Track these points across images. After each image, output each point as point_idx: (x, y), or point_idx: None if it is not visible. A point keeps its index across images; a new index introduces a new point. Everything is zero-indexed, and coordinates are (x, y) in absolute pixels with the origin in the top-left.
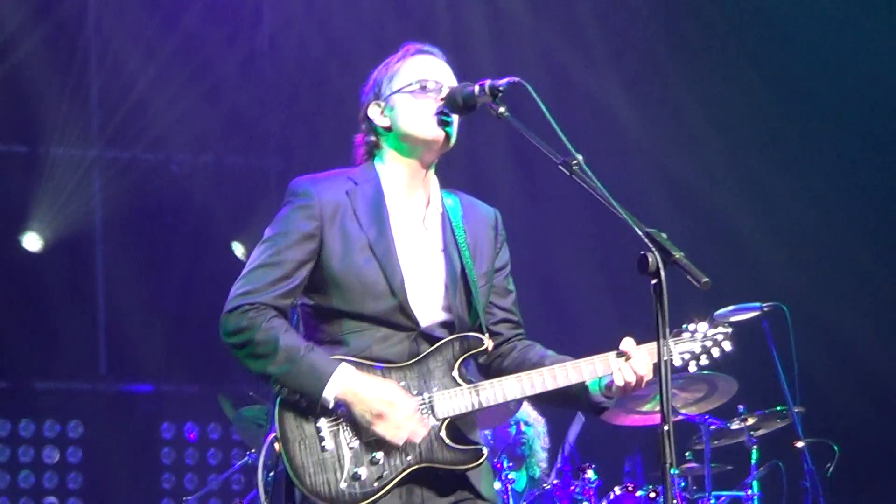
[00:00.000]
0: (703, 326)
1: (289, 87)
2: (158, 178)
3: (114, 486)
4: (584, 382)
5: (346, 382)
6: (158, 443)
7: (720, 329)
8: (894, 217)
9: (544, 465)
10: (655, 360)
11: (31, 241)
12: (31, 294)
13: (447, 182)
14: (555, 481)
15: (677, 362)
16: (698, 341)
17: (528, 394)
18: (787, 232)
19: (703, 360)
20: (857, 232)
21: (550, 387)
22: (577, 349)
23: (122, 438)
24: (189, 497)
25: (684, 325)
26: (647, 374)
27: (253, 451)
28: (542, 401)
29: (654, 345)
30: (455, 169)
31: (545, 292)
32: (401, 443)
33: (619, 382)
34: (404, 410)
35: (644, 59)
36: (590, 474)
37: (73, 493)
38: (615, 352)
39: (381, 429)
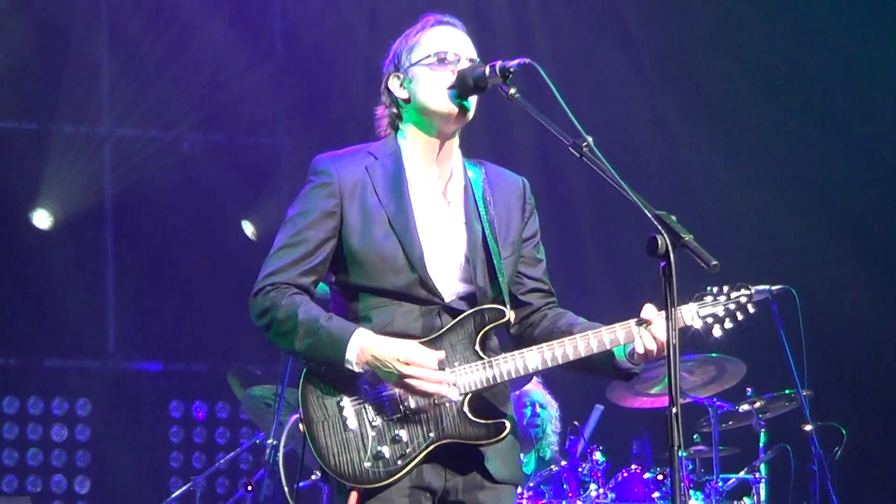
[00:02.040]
0: (725, 288)
1: (299, 65)
2: (168, 156)
3: (122, 464)
4: (608, 350)
5: (363, 345)
6: (167, 421)
7: (743, 291)
8: None
9: (555, 447)
10: (678, 327)
11: (41, 219)
12: (40, 271)
13: (474, 152)
14: (563, 463)
15: (699, 325)
16: (721, 304)
17: (550, 365)
18: (796, 214)
19: (728, 324)
20: (868, 215)
21: (572, 357)
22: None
23: (130, 417)
24: (197, 476)
25: (708, 287)
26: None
27: (262, 430)
28: (570, 370)
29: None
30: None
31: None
32: (432, 392)
33: (640, 350)
34: (424, 367)
35: (656, 41)
36: (598, 456)
37: (82, 471)
38: (636, 319)
39: (406, 388)
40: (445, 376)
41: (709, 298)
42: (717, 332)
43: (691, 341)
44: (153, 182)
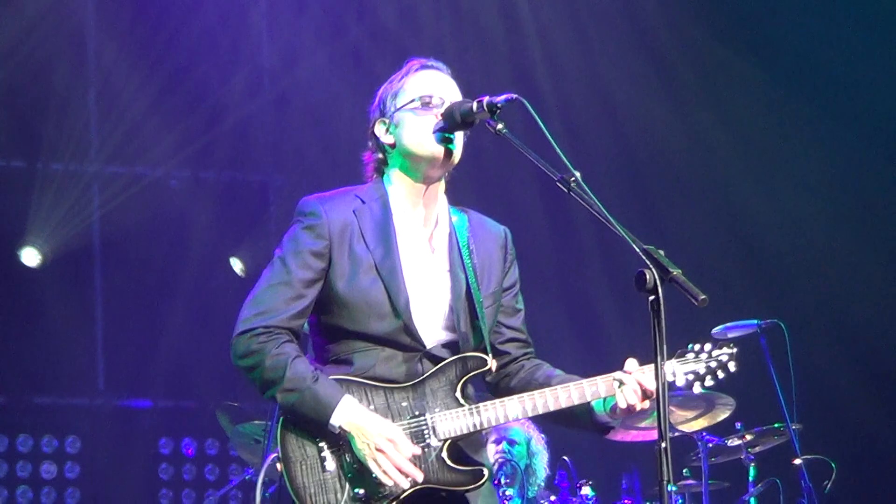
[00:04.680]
0: (707, 346)
1: (287, 102)
2: (157, 193)
3: (111, 501)
4: (588, 403)
5: (349, 416)
6: (156, 458)
7: (725, 350)
8: (893, 235)
9: (542, 484)
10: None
11: (30, 257)
12: (29, 309)
13: (464, 197)
14: (552, 498)
15: (681, 382)
16: (703, 362)
17: (530, 414)
18: (785, 249)
19: (708, 381)
20: (856, 248)
21: (552, 407)
22: (600, 363)
23: (119, 454)
24: None
25: (689, 345)
26: (653, 394)
27: (251, 467)
28: (548, 421)
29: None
30: (475, 184)
31: (567, 306)
32: (390, 483)
33: (622, 404)
34: (404, 452)
35: (649, 63)
36: (587, 491)
37: None
38: (619, 372)
39: (375, 464)
40: (413, 470)
41: (690, 356)
42: (696, 388)
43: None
44: (141, 219)
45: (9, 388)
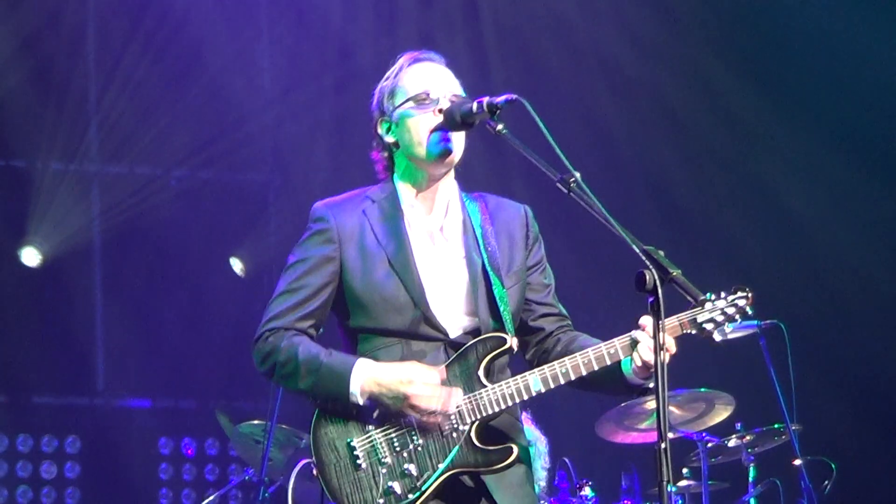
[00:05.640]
0: (723, 293)
1: (288, 102)
2: (157, 193)
3: (111, 501)
4: (616, 366)
5: (366, 375)
6: (156, 458)
7: (740, 294)
8: (893, 235)
9: (543, 483)
10: (675, 335)
11: (30, 256)
12: (29, 309)
13: (471, 184)
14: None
15: (699, 332)
16: (719, 308)
17: (553, 385)
18: (785, 249)
19: (728, 328)
20: (856, 249)
21: (573, 376)
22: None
23: (119, 454)
24: None
25: (708, 294)
26: (669, 349)
27: (251, 467)
28: (583, 389)
29: (672, 319)
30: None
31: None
32: (436, 413)
33: (638, 362)
34: (427, 383)
35: (645, 64)
36: (587, 491)
37: None
38: (635, 331)
39: (413, 409)
40: (448, 390)
41: (707, 305)
42: (717, 336)
43: (680, 378)
44: (141, 219)
45: (9, 388)
